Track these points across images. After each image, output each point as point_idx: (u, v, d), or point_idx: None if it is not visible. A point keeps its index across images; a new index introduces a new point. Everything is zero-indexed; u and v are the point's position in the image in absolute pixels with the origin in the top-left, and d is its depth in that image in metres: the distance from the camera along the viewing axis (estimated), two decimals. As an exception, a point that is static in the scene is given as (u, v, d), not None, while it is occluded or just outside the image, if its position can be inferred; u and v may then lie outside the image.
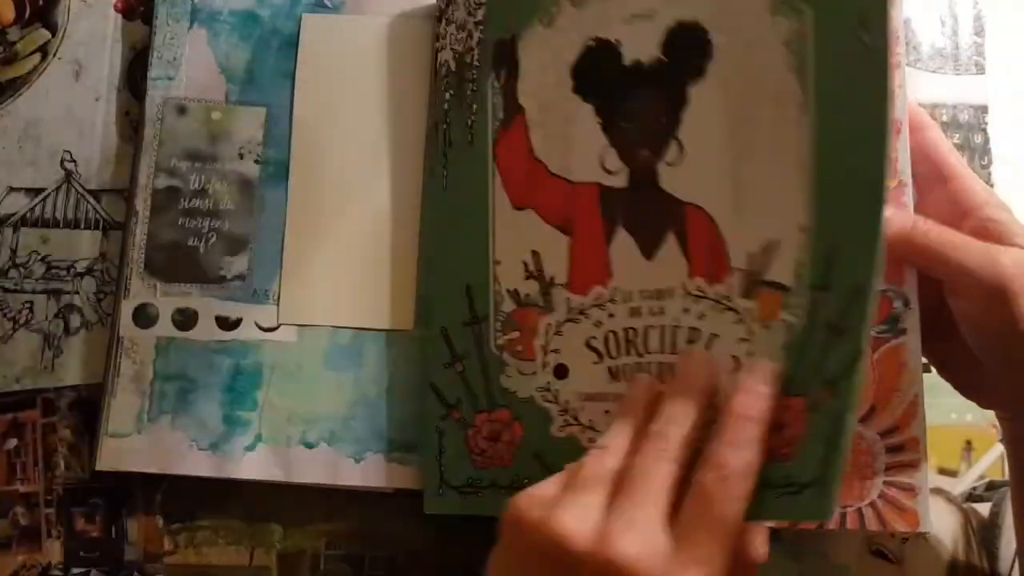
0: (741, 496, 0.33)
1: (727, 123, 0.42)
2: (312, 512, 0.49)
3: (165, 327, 0.49)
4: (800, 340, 0.38)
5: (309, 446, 0.48)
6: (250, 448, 0.48)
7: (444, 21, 0.49)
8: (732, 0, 0.43)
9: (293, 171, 0.51)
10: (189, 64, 0.52)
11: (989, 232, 0.40)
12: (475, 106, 0.47)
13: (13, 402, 0.51)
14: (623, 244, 0.44)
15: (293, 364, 0.49)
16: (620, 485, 0.34)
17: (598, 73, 0.45)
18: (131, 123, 0.54)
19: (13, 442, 0.51)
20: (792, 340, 0.39)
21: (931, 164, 0.42)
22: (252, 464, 0.48)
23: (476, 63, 0.47)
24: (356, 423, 0.48)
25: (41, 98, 0.54)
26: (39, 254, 0.53)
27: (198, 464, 0.48)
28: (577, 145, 0.45)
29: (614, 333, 0.44)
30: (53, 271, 0.52)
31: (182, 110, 0.52)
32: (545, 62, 0.46)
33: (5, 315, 0.52)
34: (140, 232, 0.50)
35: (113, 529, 0.50)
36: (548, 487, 0.35)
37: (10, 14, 0.55)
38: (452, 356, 0.46)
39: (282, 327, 0.49)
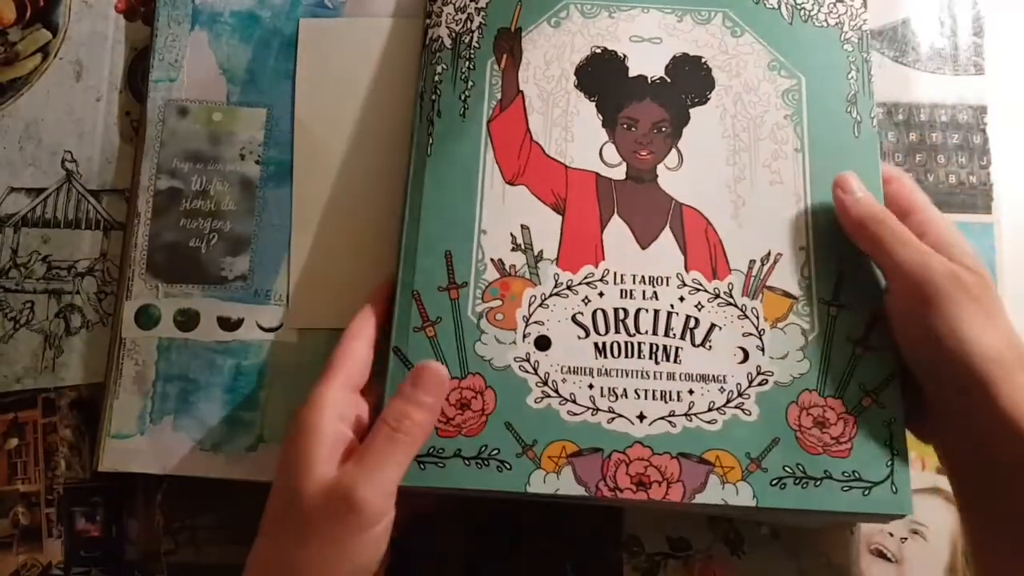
0: None
1: (727, 146, 0.46)
2: (313, 512, 0.49)
3: (167, 328, 0.49)
4: (820, 347, 0.43)
5: (310, 446, 0.48)
6: (251, 448, 0.48)
7: (439, 0, 0.50)
8: (733, 47, 0.48)
9: (296, 175, 0.51)
10: (190, 65, 0.52)
11: None
12: (471, 82, 0.48)
13: (14, 402, 0.51)
14: (617, 230, 0.46)
15: (294, 364, 0.49)
16: None
17: (602, 77, 0.48)
18: (132, 123, 0.54)
19: (14, 442, 0.51)
20: (809, 345, 0.43)
21: (900, 204, 0.44)
22: (254, 464, 0.48)
23: (476, 45, 0.49)
24: (357, 423, 0.48)
25: (42, 98, 0.54)
26: (40, 254, 0.53)
27: (200, 465, 0.48)
28: (576, 135, 0.47)
29: (603, 311, 0.44)
30: (54, 271, 0.52)
31: (183, 111, 0.52)
32: (549, 57, 0.49)
33: (6, 315, 0.52)
34: (142, 233, 0.50)
35: (114, 529, 0.50)
36: None
37: (11, 15, 0.55)
38: (423, 320, 0.45)
39: (283, 327, 0.49)
